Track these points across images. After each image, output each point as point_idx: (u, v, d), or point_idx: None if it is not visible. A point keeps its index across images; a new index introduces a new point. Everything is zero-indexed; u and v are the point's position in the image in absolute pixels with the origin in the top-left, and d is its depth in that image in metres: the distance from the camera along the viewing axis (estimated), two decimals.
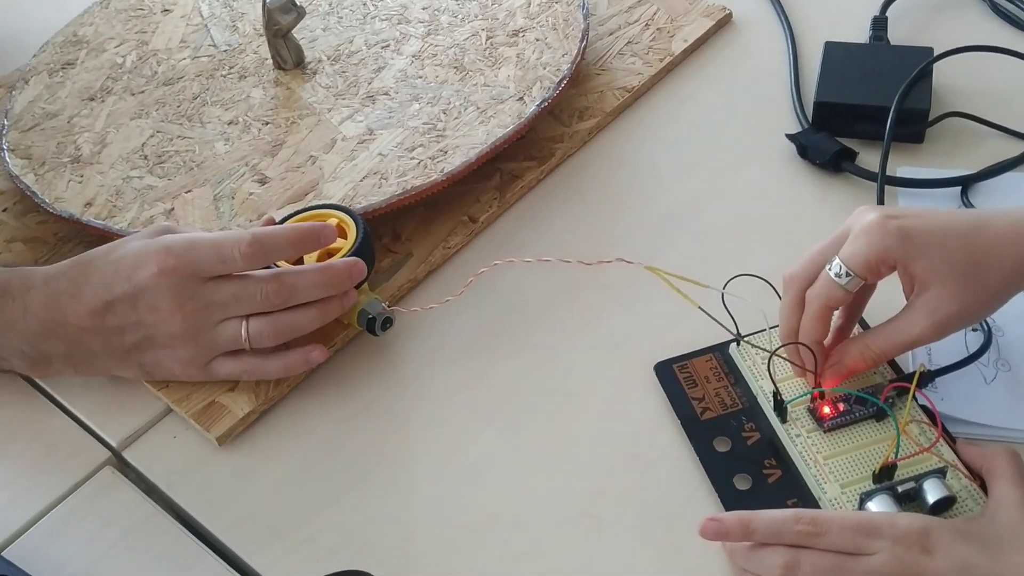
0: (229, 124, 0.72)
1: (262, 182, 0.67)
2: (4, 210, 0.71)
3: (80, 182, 0.69)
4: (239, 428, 0.57)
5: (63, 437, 0.58)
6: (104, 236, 0.64)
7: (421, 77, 0.73)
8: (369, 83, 0.74)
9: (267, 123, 0.72)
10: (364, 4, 0.81)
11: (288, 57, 0.76)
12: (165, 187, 0.68)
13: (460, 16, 0.78)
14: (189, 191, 0.67)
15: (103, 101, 0.75)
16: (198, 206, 0.66)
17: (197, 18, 0.83)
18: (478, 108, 0.69)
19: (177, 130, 0.72)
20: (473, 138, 0.67)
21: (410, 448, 0.56)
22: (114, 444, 0.58)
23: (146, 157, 0.70)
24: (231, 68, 0.77)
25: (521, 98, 0.70)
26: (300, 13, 0.74)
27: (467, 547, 0.51)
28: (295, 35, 0.75)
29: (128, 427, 0.58)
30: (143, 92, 0.76)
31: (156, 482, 0.56)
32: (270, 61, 0.76)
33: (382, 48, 0.77)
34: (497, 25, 0.77)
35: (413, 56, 0.75)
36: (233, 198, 0.66)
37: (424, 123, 0.69)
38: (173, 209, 0.66)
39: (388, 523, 0.53)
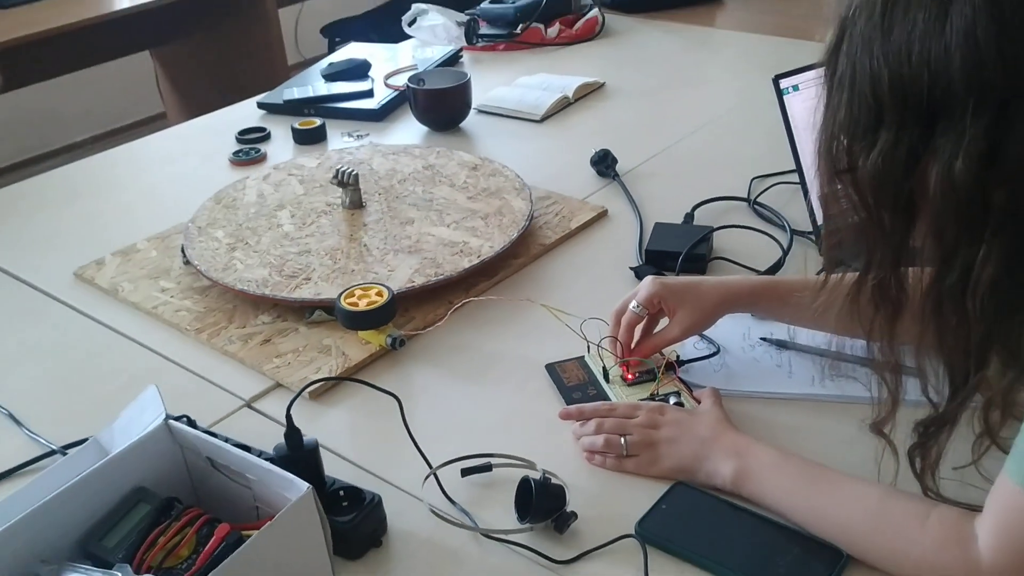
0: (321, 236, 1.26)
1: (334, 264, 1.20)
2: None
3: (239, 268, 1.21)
4: (318, 392, 1.06)
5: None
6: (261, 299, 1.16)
7: (432, 235, 1.28)
8: (402, 225, 1.29)
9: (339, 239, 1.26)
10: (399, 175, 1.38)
11: (352, 200, 1.32)
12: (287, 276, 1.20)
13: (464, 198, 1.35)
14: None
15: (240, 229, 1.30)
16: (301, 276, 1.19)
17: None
18: (462, 248, 1.24)
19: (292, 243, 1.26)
20: (460, 265, 1.21)
21: (414, 404, 1.05)
22: (246, 397, 1.06)
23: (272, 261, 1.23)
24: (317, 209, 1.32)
25: (491, 247, 1.24)
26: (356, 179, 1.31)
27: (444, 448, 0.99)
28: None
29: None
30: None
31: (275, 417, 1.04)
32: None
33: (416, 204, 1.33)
34: (486, 210, 1.33)
35: (436, 210, 1.31)
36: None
37: (426, 257, 1.24)
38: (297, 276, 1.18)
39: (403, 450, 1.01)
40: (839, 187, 0.76)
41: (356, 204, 1.36)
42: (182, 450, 0.88)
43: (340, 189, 1.36)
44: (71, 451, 0.98)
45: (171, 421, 0.86)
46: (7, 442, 1.03)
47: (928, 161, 0.69)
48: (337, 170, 1.36)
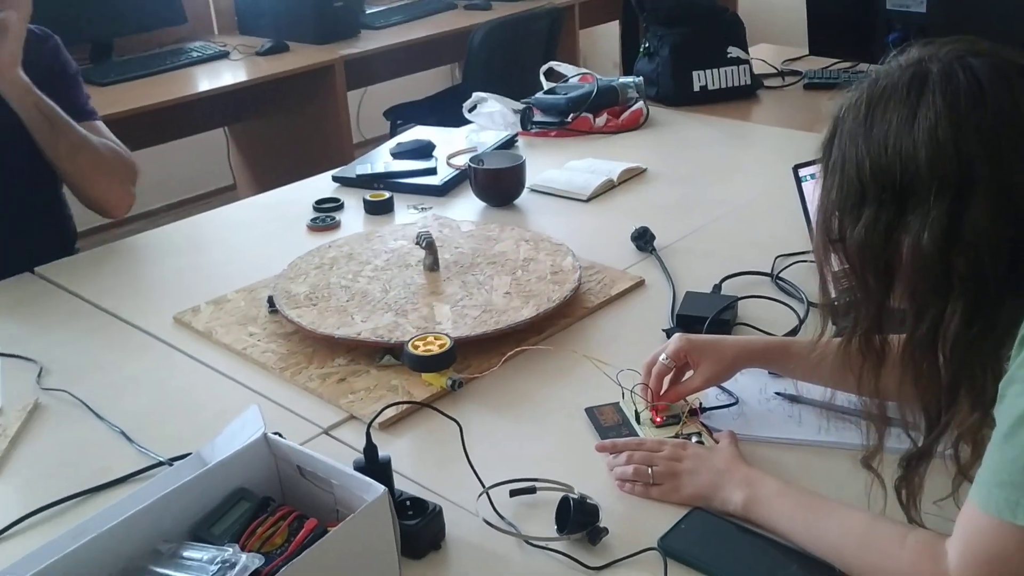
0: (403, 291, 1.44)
1: (405, 314, 1.38)
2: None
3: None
4: (387, 424, 1.22)
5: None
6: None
7: (491, 294, 1.46)
8: (464, 284, 1.46)
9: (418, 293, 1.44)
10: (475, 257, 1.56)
11: (428, 262, 1.50)
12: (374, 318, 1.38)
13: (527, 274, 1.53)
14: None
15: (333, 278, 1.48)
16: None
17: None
18: (517, 306, 1.41)
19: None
20: (515, 319, 1.38)
21: (469, 436, 1.20)
22: (324, 426, 1.23)
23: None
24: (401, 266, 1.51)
25: (541, 306, 1.41)
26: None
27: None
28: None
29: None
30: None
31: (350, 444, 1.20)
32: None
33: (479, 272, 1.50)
34: (541, 276, 1.51)
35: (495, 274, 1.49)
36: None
37: (485, 311, 1.41)
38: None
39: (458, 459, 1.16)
40: (832, 254, 0.93)
41: (432, 266, 1.54)
42: (276, 460, 1.04)
43: (419, 251, 1.55)
44: (176, 463, 1.14)
45: (269, 434, 1.03)
46: (121, 455, 1.21)
47: (902, 234, 0.86)
48: (419, 234, 1.54)
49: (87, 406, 1.30)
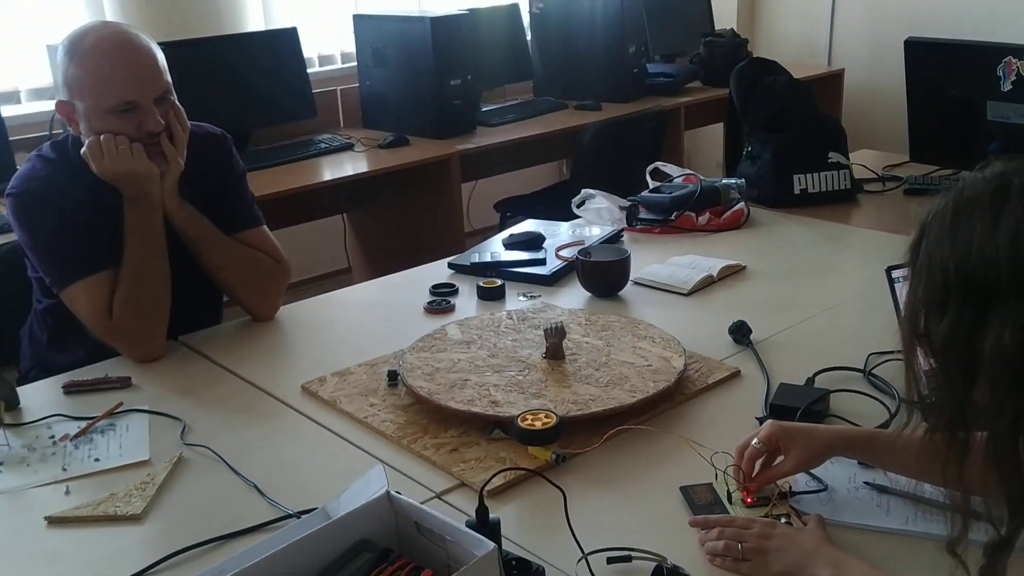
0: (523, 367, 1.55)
1: (522, 391, 1.48)
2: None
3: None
4: (495, 491, 1.32)
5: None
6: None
7: (600, 377, 1.56)
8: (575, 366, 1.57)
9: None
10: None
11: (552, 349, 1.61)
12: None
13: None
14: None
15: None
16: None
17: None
18: (623, 388, 1.51)
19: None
20: (623, 401, 1.48)
21: (570, 505, 1.29)
22: (437, 491, 1.34)
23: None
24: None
25: (646, 386, 1.51)
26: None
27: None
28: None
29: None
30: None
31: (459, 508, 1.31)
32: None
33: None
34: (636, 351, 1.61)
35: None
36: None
37: (591, 395, 1.51)
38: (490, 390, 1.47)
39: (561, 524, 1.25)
40: (917, 349, 1.00)
41: (555, 354, 1.64)
42: (396, 515, 1.15)
43: (536, 334, 1.66)
44: (304, 515, 1.26)
45: (391, 492, 1.14)
46: (253, 506, 1.33)
47: (985, 332, 0.93)
48: (550, 324, 1.65)
49: (225, 461, 1.44)
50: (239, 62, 3.48)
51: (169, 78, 1.80)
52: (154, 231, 1.79)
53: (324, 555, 1.09)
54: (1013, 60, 2.36)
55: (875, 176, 2.74)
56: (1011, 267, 0.92)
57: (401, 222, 3.81)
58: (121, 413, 1.59)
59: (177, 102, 1.82)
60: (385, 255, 3.88)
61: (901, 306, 1.47)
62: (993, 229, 0.93)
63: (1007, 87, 2.39)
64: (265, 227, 2.00)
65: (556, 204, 2.75)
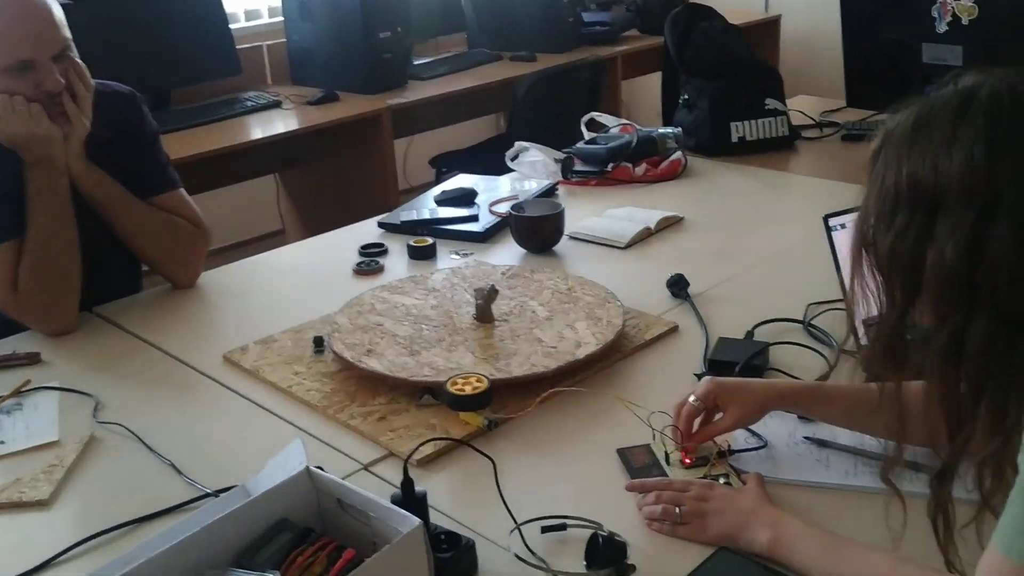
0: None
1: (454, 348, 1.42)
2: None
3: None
4: (424, 460, 1.27)
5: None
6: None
7: (532, 338, 1.50)
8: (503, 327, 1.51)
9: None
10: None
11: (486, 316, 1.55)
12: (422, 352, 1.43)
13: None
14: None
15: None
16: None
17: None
18: (555, 348, 1.46)
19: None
20: (556, 360, 1.42)
21: (502, 474, 1.24)
22: (364, 462, 1.28)
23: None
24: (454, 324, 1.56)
25: (580, 345, 1.46)
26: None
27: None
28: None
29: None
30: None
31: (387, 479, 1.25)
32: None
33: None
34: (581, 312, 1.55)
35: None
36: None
37: (523, 355, 1.45)
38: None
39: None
40: (864, 263, 0.96)
41: (484, 316, 1.58)
42: (317, 492, 1.09)
43: (472, 299, 1.60)
44: (222, 494, 1.19)
45: (311, 468, 1.08)
46: (170, 486, 1.26)
47: (929, 244, 0.89)
48: (481, 285, 1.59)
49: (140, 439, 1.36)
50: (156, 18, 3.32)
51: (68, 34, 1.68)
52: (59, 197, 1.69)
53: (242, 536, 1.03)
54: (948, 1, 2.33)
55: (813, 122, 2.70)
56: (960, 178, 0.87)
57: (334, 181, 3.71)
58: (29, 391, 1.50)
59: (79, 59, 1.71)
60: (319, 215, 3.78)
61: (839, 255, 1.44)
62: (950, 140, 0.88)
63: (942, 28, 2.36)
64: (182, 191, 1.90)
65: (494, 158, 2.68)
